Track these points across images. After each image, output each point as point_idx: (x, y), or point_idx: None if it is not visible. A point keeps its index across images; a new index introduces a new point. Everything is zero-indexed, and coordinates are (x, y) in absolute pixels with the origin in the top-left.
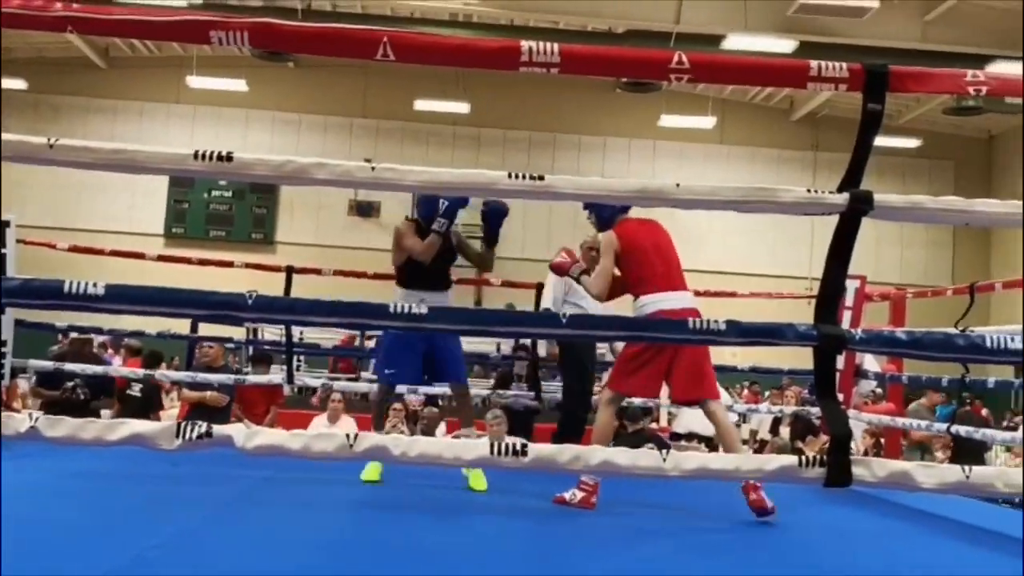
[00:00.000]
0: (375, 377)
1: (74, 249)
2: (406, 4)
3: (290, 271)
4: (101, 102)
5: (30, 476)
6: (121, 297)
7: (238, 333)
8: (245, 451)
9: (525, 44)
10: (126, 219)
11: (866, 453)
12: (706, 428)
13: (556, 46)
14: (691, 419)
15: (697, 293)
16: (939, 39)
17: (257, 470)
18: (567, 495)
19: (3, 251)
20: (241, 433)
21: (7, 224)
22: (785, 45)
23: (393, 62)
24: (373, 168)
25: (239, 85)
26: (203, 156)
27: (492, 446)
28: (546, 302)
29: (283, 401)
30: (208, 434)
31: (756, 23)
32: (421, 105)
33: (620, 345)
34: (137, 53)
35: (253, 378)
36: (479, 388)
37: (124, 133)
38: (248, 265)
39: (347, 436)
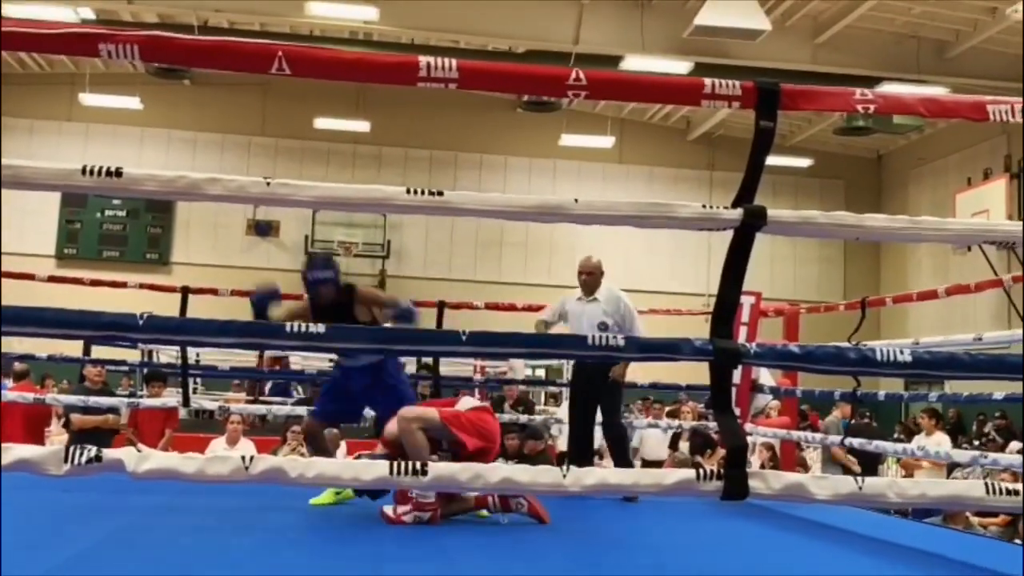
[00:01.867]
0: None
1: None
2: (305, 22)
3: (185, 291)
4: None
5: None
6: (11, 319)
7: (133, 356)
8: (136, 475)
9: (423, 59)
10: (15, 240)
11: (762, 467)
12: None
13: (454, 61)
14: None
15: None
16: (829, 61)
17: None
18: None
19: None
20: (132, 457)
21: None
22: (681, 66)
23: (290, 77)
24: (268, 183)
25: (133, 103)
26: (92, 172)
27: (391, 465)
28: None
29: (178, 424)
30: (98, 458)
31: (653, 44)
32: (321, 123)
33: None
34: (27, 69)
35: (148, 402)
36: None
37: (13, 151)
38: (143, 286)
39: (243, 459)
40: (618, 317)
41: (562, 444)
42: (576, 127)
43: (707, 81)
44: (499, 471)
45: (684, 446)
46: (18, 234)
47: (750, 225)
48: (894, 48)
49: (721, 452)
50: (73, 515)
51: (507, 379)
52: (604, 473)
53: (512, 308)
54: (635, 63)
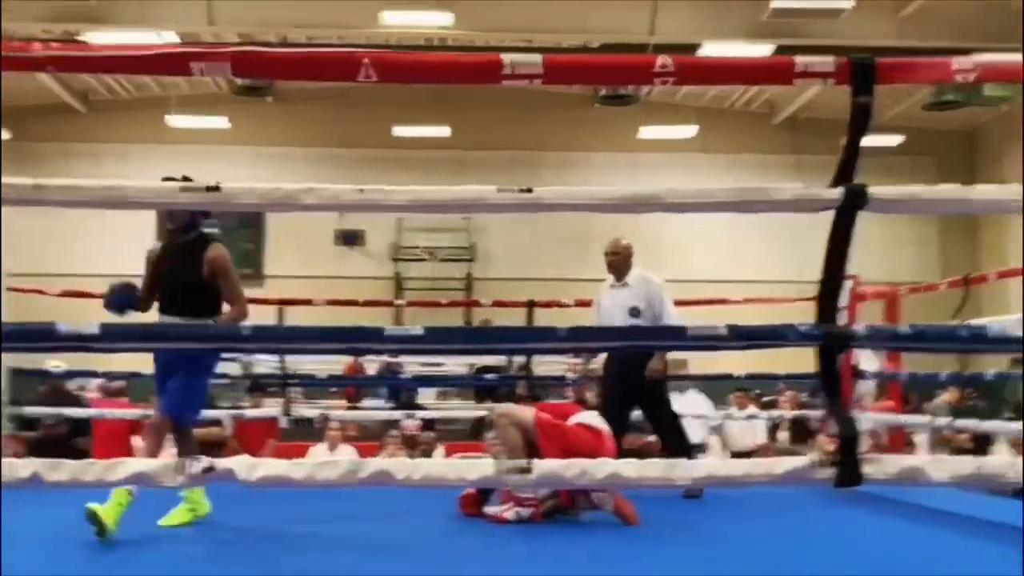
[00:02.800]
0: (375, 405)
1: (65, 294)
2: (381, 32)
3: (282, 304)
4: (83, 146)
5: (29, 526)
6: (117, 336)
7: (233, 368)
8: (248, 484)
9: (507, 57)
10: (114, 262)
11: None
12: (693, 436)
13: (538, 57)
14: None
15: (687, 303)
16: (915, 35)
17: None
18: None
19: None
20: (244, 465)
21: None
22: (761, 50)
23: (374, 83)
24: (361, 190)
25: (220, 122)
26: (192, 188)
27: (497, 465)
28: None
29: (279, 434)
30: (211, 468)
31: (731, 30)
32: (400, 131)
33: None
34: (116, 96)
35: (251, 412)
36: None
37: (107, 176)
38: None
39: (351, 463)
40: (650, 300)
41: None
42: (655, 119)
43: (798, 59)
44: (605, 467)
45: (783, 436)
46: (115, 255)
47: (852, 204)
48: (983, 17)
49: (823, 441)
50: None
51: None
52: (711, 465)
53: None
54: (714, 49)
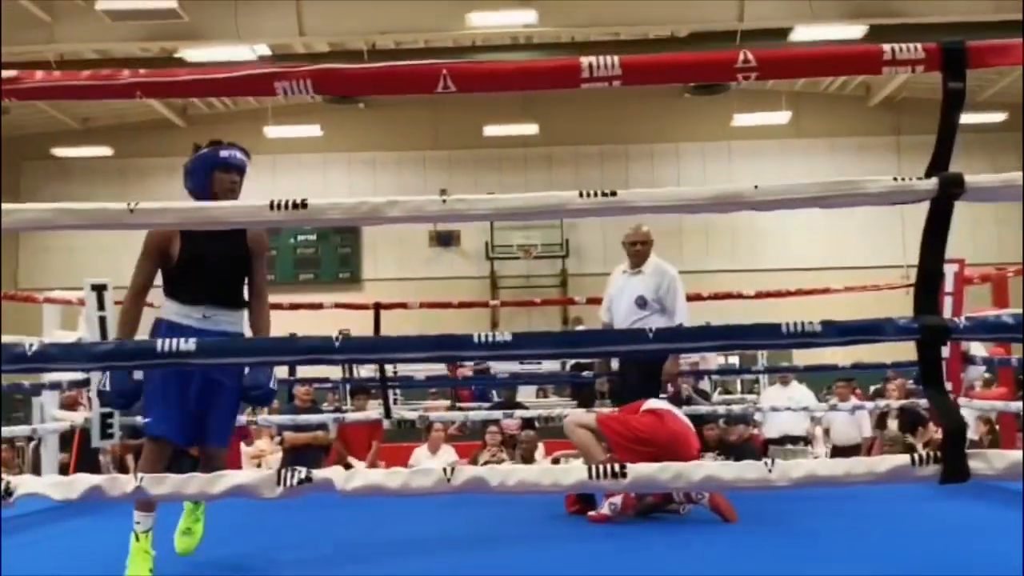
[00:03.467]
0: (475, 405)
1: None
2: (467, 34)
3: (378, 308)
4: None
5: (104, 538)
6: (213, 352)
7: (335, 372)
8: (345, 493)
9: (584, 60)
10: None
11: (981, 441)
12: (797, 428)
13: (616, 59)
14: (782, 422)
15: (788, 293)
16: (1014, 9)
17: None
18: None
19: (103, 314)
20: (340, 476)
21: (104, 287)
22: (855, 31)
23: (456, 93)
24: (444, 201)
25: (314, 131)
26: (279, 206)
27: (590, 470)
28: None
29: (383, 436)
30: (308, 479)
31: (822, 12)
32: (491, 131)
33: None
34: (214, 110)
35: (352, 416)
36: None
37: None
38: (337, 305)
39: (444, 471)
40: (661, 292)
41: (767, 431)
42: (748, 106)
43: (886, 47)
44: (702, 469)
45: (893, 424)
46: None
47: (947, 195)
48: None
49: (933, 429)
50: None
51: (700, 370)
52: (812, 465)
53: (698, 298)
54: (805, 33)
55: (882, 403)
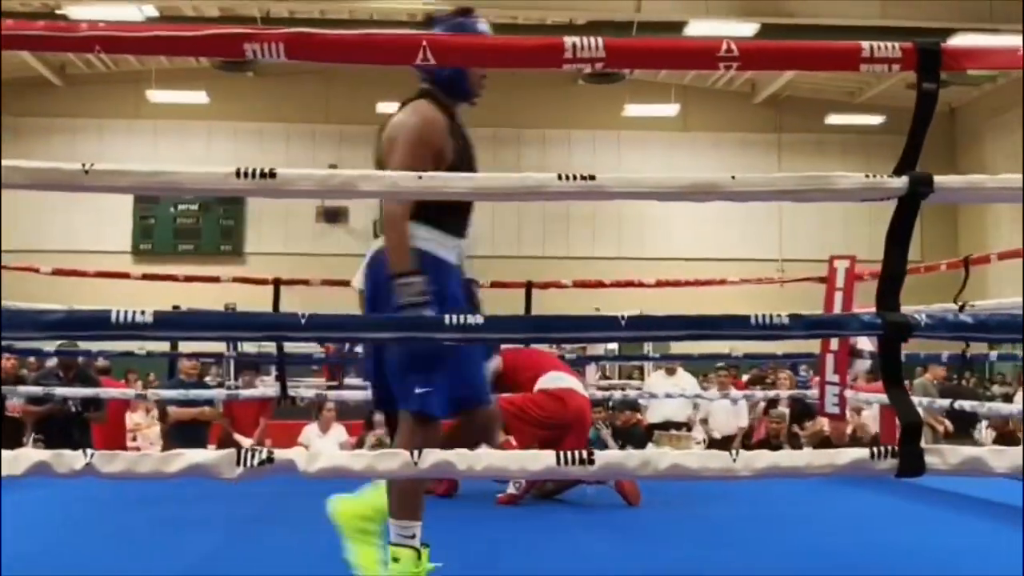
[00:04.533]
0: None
1: (58, 272)
2: (364, 7)
3: (277, 283)
4: (60, 121)
5: (33, 508)
6: (170, 324)
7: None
8: (308, 475)
9: (568, 40)
10: (93, 239)
11: (855, 432)
12: (679, 415)
13: (600, 40)
14: (665, 408)
15: (685, 283)
16: (899, 15)
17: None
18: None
19: None
20: (303, 458)
21: None
22: (747, 29)
23: (433, 66)
24: (420, 177)
25: (199, 97)
26: (246, 174)
27: (558, 455)
28: None
29: (271, 412)
30: (270, 459)
31: (716, 8)
32: (384, 108)
33: None
34: (94, 69)
35: (246, 392)
36: None
37: (84, 151)
38: (236, 279)
39: (411, 453)
40: None
41: (651, 416)
42: (640, 96)
43: (864, 45)
44: (667, 457)
45: (777, 413)
46: (95, 232)
47: (916, 193)
48: None
49: (821, 422)
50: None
51: (592, 356)
52: (776, 456)
53: (601, 285)
54: (699, 28)
55: (771, 393)
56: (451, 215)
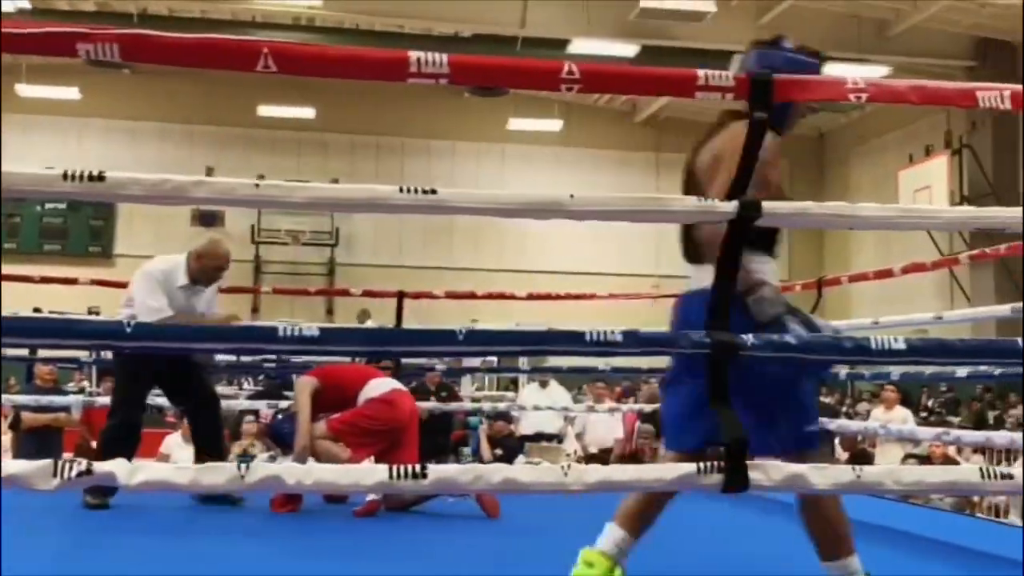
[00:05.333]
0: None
1: None
2: (247, 8)
3: None
4: None
5: None
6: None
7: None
8: (128, 488)
9: (413, 55)
10: None
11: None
12: (551, 427)
13: (445, 57)
14: (537, 420)
15: (557, 296)
16: None
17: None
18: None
19: None
20: (124, 469)
21: None
22: (628, 49)
23: (274, 73)
24: (257, 185)
25: (71, 93)
26: (74, 177)
27: (391, 470)
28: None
29: None
30: (88, 471)
31: (599, 27)
32: (265, 111)
33: None
34: None
35: (103, 400)
36: None
37: None
38: (95, 282)
39: (238, 467)
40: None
41: (524, 428)
42: (524, 111)
43: (700, 72)
44: (500, 471)
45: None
46: None
47: (745, 218)
48: (836, 28)
49: None
50: None
51: (468, 368)
52: (608, 470)
53: (472, 296)
54: (581, 47)
55: (636, 406)
56: (769, 236)
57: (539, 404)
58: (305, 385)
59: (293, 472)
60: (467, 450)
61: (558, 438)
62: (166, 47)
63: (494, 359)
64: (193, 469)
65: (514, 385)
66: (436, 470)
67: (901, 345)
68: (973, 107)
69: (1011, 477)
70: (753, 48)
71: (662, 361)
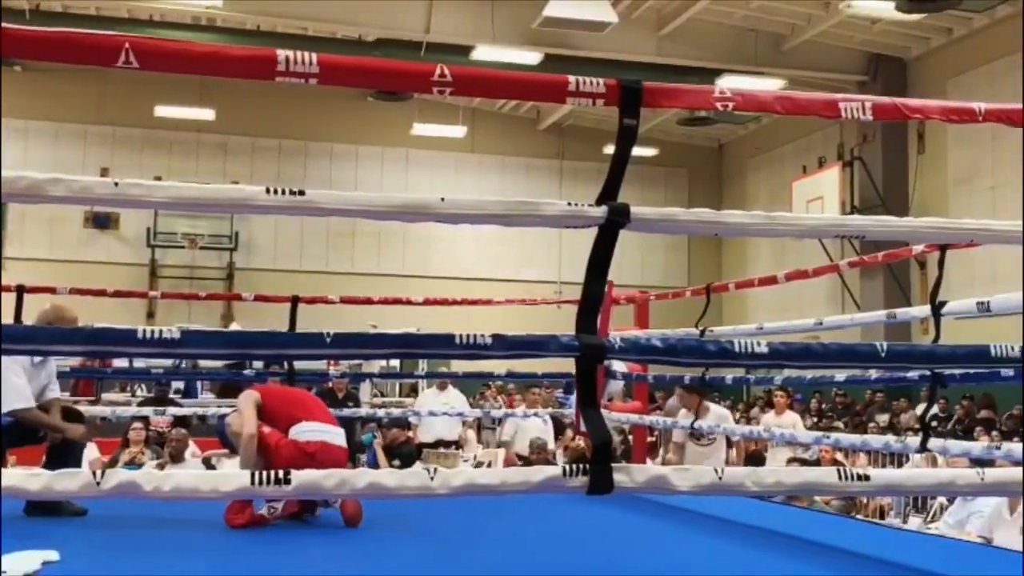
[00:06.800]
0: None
1: None
2: (144, 6)
3: (21, 290)
4: None
5: None
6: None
7: None
8: None
9: (281, 53)
10: None
11: (615, 450)
12: (451, 433)
13: (315, 56)
14: (436, 427)
15: (455, 302)
16: (673, 53)
17: None
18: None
19: None
20: None
21: None
22: (531, 57)
23: (136, 69)
24: (116, 184)
25: None
26: None
27: (252, 475)
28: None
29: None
30: None
31: (503, 35)
32: (163, 112)
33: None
34: None
35: None
36: None
37: None
38: None
39: (93, 473)
40: None
41: (422, 435)
42: (428, 116)
43: (571, 78)
44: (365, 476)
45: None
46: None
47: (614, 223)
48: (734, 41)
49: (569, 437)
50: None
51: (365, 373)
52: (472, 474)
53: (368, 301)
54: (485, 53)
55: (531, 411)
56: None
57: (435, 411)
58: (250, 396)
59: (152, 479)
60: (364, 457)
61: (456, 444)
62: (23, 40)
63: (397, 363)
64: (48, 475)
65: (415, 392)
66: (299, 475)
67: (764, 349)
68: (836, 118)
69: (868, 479)
70: None
71: (556, 365)
